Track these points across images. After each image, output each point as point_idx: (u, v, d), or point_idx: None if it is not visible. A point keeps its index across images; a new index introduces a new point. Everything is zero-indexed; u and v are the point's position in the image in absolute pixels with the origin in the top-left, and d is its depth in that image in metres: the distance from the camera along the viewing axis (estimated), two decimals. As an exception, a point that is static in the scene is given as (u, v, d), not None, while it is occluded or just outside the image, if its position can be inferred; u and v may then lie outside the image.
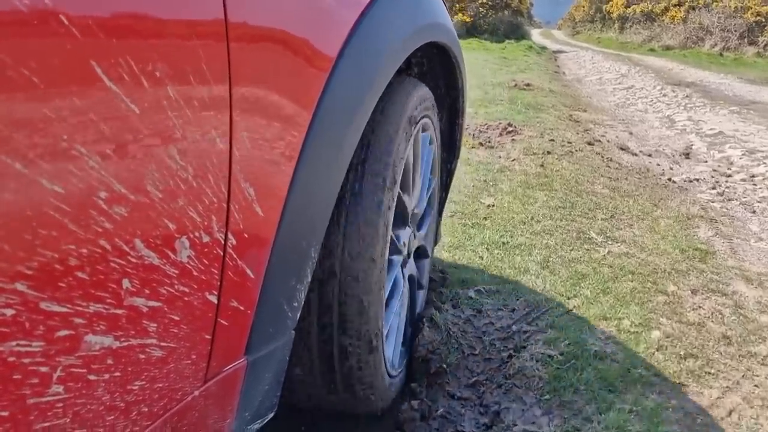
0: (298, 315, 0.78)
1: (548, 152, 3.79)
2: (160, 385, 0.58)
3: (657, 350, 1.61)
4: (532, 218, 2.59)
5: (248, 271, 0.66)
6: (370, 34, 0.80)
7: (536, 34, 24.60)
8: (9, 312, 0.40)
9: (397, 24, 0.86)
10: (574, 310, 1.77)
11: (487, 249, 2.21)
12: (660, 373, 1.51)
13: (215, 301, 0.62)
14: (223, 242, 0.61)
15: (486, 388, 1.39)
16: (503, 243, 2.28)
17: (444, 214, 2.38)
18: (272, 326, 0.73)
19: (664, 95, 7.47)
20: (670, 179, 3.54)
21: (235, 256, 0.63)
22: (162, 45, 0.49)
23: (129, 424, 0.55)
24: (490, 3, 15.37)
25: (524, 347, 1.54)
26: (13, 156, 0.38)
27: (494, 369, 1.47)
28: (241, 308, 0.67)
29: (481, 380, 1.41)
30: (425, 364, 1.33)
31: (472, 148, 3.81)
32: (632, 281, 2.03)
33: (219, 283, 0.62)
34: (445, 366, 1.36)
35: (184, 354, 0.60)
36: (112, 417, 0.53)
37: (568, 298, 1.86)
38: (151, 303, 0.53)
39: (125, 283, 0.50)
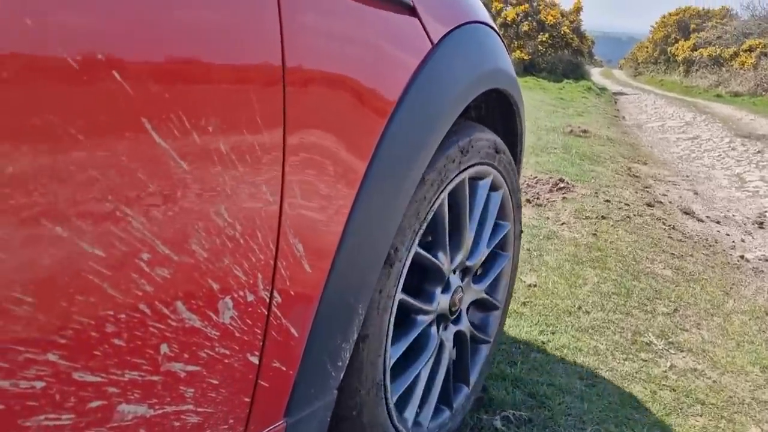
0: (342, 374, 0.73)
1: (603, 217, 3.40)
2: (195, 452, 0.55)
3: None
4: (579, 308, 2.18)
5: (292, 330, 0.62)
6: (431, 82, 0.77)
7: (596, 73, 24.02)
8: (39, 384, 0.38)
9: (459, 71, 0.83)
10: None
11: (522, 353, 1.81)
12: None
13: (256, 362, 0.59)
14: (268, 301, 0.57)
15: None
16: (543, 343, 1.89)
17: None
18: (314, 386, 0.69)
19: (733, 149, 6.80)
20: (742, 256, 3.10)
21: (279, 314, 0.60)
22: (214, 98, 0.46)
23: (159, 495, 0.52)
24: (550, 41, 15.16)
25: None
26: (52, 217, 0.36)
27: None
28: (283, 369, 0.63)
29: None
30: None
31: None
32: (701, 416, 1.60)
33: (261, 344, 0.59)
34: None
35: (221, 419, 0.57)
36: (142, 488, 0.50)
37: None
38: (190, 367, 0.50)
39: (163, 348, 0.47)
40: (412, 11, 0.76)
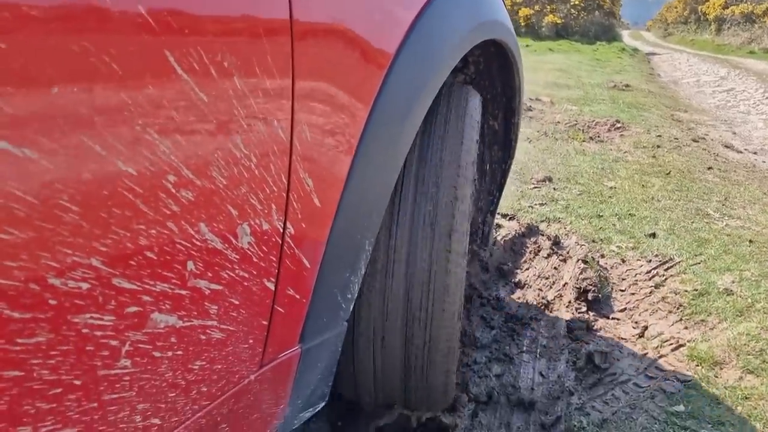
0: (351, 306, 0.79)
1: (657, 146, 4.07)
2: (219, 366, 0.60)
3: (777, 293, 1.94)
4: (653, 198, 2.93)
5: (305, 261, 0.67)
6: (428, 32, 0.81)
7: (625, 36, 23.68)
8: (84, 285, 0.43)
9: (456, 21, 0.87)
10: (701, 264, 2.19)
11: (619, 219, 2.61)
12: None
13: (273, 288, 0.64)
14: (281, 231, 0.62)
15: (635, 311, 1.88)
16: (631, 215, 2.67)
17: (573, 194, 2.93)
18: (326, 316, 0.75)
19: (768, 97, 7.21)
20: (778, 174, 3.74)
21: (292, 245, 0.65)
22: (231, 38, 0.51)
23: (189, 402, 0.58)
24: (582, 4, 14.92)
25: (663, 285, 2.03)
26: (93, 138, 0.41)
27: (640, 299, 1.95)
28: (297, 296, 0.68)
29: (630, 307, 1.91)
30: (585, 294, 1.87)
31: (584, 141, 4.11)
32: (750, 246, 2.39)
33: (277, 271, 0.64)
34: (599, 296, 1.89)
35: (242, 338, 0.62)
36: (174, 394, 0.55)
37: (695, 255, 2.26)
38: (213, 286, 0.55)
39: (190, 264, 0.52)
40: (410, -38, 0.79)
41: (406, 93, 0.78)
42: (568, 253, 2.23)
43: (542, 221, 2.55)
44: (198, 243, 0.52)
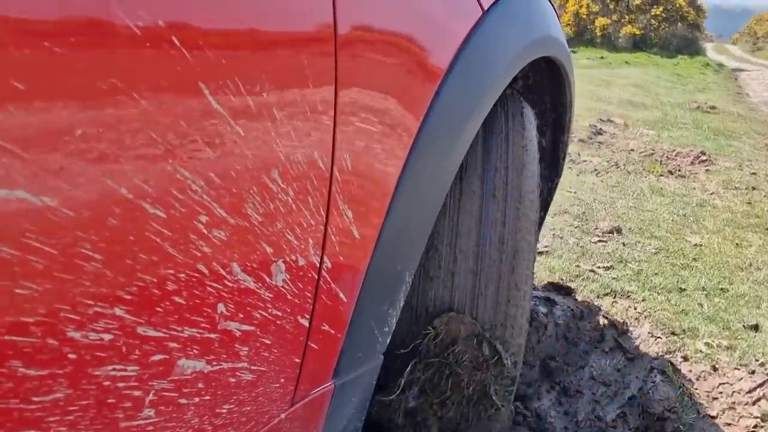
0: (388, 340, 0.75)
1: (753, 188, 3.40)
2: (248, 408, 0.57)
3: None
4: (751, 264, 2.30)
5: (341, 295, 0.64)
6: (482, 47, 0.76)
7: (709, 49, 22.61)
8: (107, 337, 0.40)
9: (510, 37, 0.82)
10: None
11: (707, 296, 2.01)
12: None
13: (307, 325, 0.60)
14: (318, 265, 0.59)
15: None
16: (722, 290, 2.06)
17: (647, 252, 2.37)
18: (362, 351, 0.71)
19: None
20: None
21: (329, 279, 0.61)
22: (268, 62, 0.47)
23: (215, 447, 0.54)
24: (663, 15, 14.14)
25: (773, 415, 1.41)
26: (118, 178, 0.38)
27: (739, 436, 1.37)
28: (332, 332, 0.65)
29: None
30: (661, 422, 1.33)
31: (661, 176, 3.53)
32: None
33: (312, 307, 0.60)
34: (681, 427, 1.32)
35: (273, 377, 0.59)
36: (200, 440, 0.52)
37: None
38: (245, 327, 0.52)
39: (220, 307, 0.48)
40: (463, -24, 0.75)
41: (456, 114, 0.74)
42: (637, 348, 1.68)
43: (606, 294, 2.00)
44: (229, 284, 0.48)
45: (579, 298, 1.90)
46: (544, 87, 1.14)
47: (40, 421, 0.38)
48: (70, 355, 0.38)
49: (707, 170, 3.72)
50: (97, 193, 0.37)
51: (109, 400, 0.42)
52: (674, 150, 4.11)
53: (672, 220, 2.78)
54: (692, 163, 3.86)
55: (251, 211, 0.48)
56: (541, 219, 1.49)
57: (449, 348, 0.88)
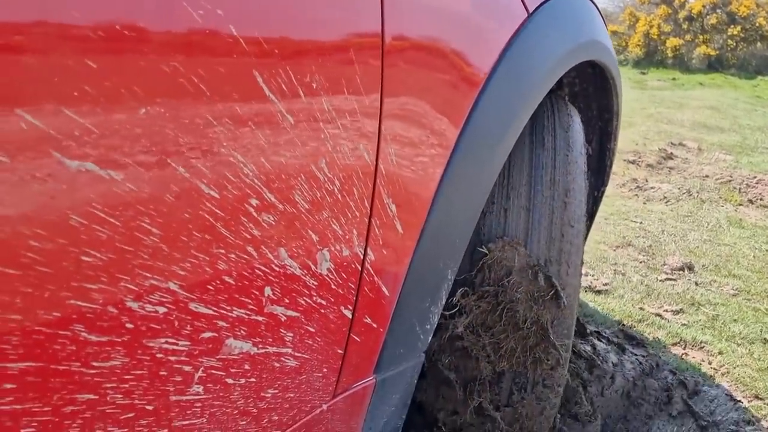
0: (430, 338, 0.75)
1: None
2: (291, 395, 0.58)
3: None
4: None
5: (384, 289, 0.65)
6: (525, 52, 0.76)
7: None
8: (161, 310, 0.42)
9: (553, 41, 0.82)
10: None
11: None
12: None
13: (350, 316, 0.62)
14: (362, 257, 0.60)
15: None
16: None
17: (724, 294, 2.09)
18: (403, 347, 0.71)
19: None
20: None
21: (372, 272, 0.62)
22: (319, 57, 0.49)
23: (259, 430, 0.56)
24: (741, 35, 13.55)
25: None
26: (177, 159, 0.40)
27: None
28: (374, 325, 0.66)
29: None
30: None
31: (740, 205, 3.20)
32: None
33: (355, 298, 0.61)
34: None
35: (316, 366, 0.60)
36: (244, 422, 0.54)
37: None
38: (290, 312, 0.53)
39: (267, 290, 0.50)
40: (509, -21, 0.76)
41: (500, 115, 0.74)
42: (711, 414, 1.38)
43: (674, 344, 1.71)
44: (276, 268, 0.50)
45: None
46: (591, 94, 1.13)
47: (98, 386, 0.40)
48: (128, 324, 0.40)
49: (794, 199, 3.38)
50: (157, 171, 0.39)
51: (161, 372, 0.44)
52: (755, 177, 3.72)
53: (753, 256, 2.46)
54: (777, 192, 3.51)
55: (299, 198, 0.50)
56: (588, 228, 1.47)
57: (504, 279, 0.86)
